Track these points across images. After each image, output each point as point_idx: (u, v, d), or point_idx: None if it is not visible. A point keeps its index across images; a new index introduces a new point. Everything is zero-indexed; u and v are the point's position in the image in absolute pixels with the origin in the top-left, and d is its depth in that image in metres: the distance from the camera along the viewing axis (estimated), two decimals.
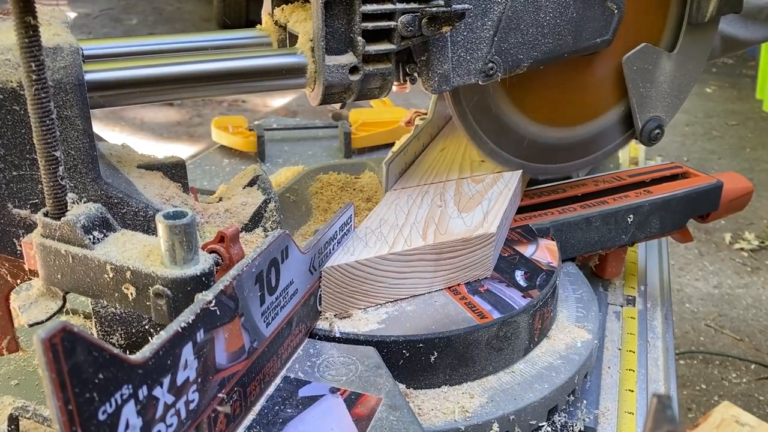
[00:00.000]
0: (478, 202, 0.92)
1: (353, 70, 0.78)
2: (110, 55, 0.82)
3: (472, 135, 0.96)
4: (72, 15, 6.67)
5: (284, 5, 0.87)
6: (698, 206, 1.09)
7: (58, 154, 0.57)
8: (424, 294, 0.82)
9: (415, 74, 0.86)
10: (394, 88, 0.87)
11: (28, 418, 0.65)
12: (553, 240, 0.95)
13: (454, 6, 0.78)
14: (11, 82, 0.64)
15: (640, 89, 1.02)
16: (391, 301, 0.80)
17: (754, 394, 2.38)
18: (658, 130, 1.05)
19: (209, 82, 0.77)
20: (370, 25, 0.77)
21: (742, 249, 3.18)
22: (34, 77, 0.54)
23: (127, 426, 0.45)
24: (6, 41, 0.66)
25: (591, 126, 1.05)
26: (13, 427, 0.66)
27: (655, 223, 1.06)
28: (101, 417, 0.43)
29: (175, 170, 0.84)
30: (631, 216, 1.03)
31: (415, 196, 0.94)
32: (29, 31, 0.52)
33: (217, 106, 4.54)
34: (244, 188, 0.87)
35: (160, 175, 0.82)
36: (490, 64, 0.86)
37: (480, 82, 0.87)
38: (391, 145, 1.11)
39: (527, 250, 0.91)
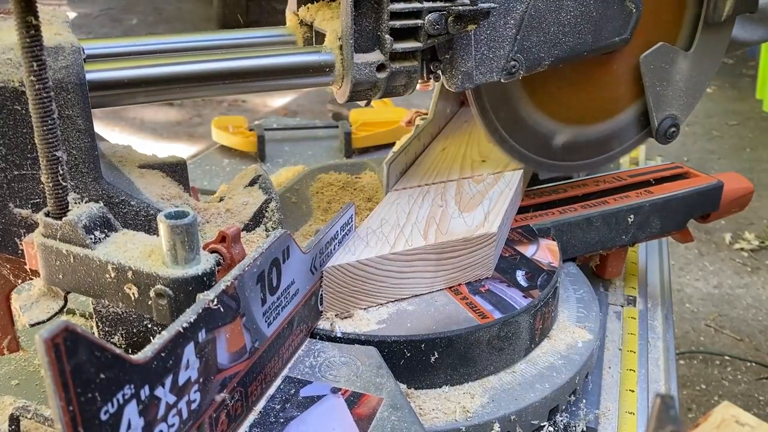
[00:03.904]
0: (479, 202, 0.92)
1: (380, 67, 0.79)
2: (111, 55, 0.82)
3: (491, 132, 0.96)
4: (72, 15, 6.67)
5: (309, 4, 0.88)
6: (699, 206, 1.09)
7: (59, 153, 0.57)
8: (425, 294, 0.82)
9: (439, 72, 0.86)
10: (417, 86, 0.87)
11: (30, 418, 0.65)
12: (554, 240, 0.95)
13: (479, 4, 0.79)
14: (13, 81, 0.64)
15: (657, 88, 1.02)
16: (392, 301, 0.80)
17: (754, 394, 2.38)
18: (673, 129, 1.05)
19: (235, 79, 0.77)
20: (397, 23, 0.78)
21: (742, 249, 3.18)
22: (35, 77, 0.54)
23: (129, 426, 0.45)
24: (7, 41, 0.66)
25: (608, 124, 1.05)
26: (14, 427, 0.66)
27: (656, 223, 1.06)
28: (103, 417, 0.43)
29: (176, 170, 0.84)
30: (632, 216, 1.03)
31: (416, 196, 0.94)
32: (31, 30, 0.52)
33: (217, 106, 4.54)
34: (244, 188, 0.87)
35: (162, 175, 0.82)
36: (513, 62, 0.86)
37: (502, 80, 0.87)
38: (392, 145, 1.11)
39: (528, 250, 0.91)
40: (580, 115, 1.02)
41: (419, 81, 0.86)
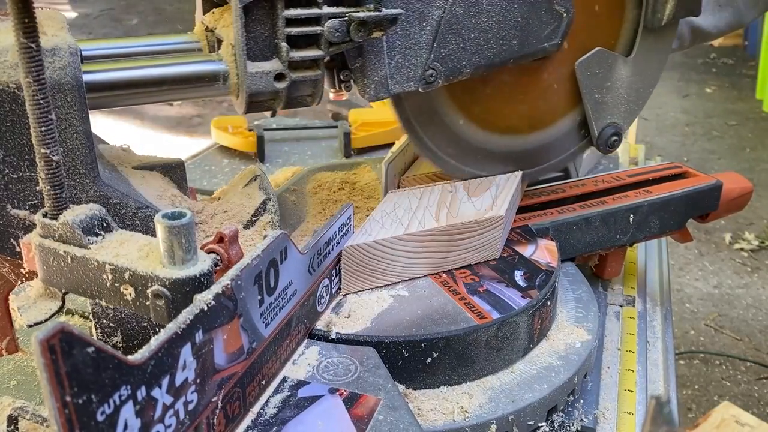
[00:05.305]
0: (487, 187, 0.95)
1: (279, 77, 0.75)
2: (110, 56, 0.82)
3: (416, 143, 0.93)
4: (72, 15, 6.67)
5: (214, 9, 0.83)
6: (698, 206, 1.09)
7: (56, 155, 0.57)
8: (425, 292, 0.82)
9: (351, 81, 0.82)
10: (331, 95, 0.83)
11: (28, 419, 0.65)
12: (552, 240, 0.95)
13: (384, 11, 0.74)
14: (10, 83, 0.64)
15: (595, 95, 0.98)
16: (406, 280, 0.84)
17: (754, 394, 2.38)
18: (615, 137, 1.00)
19: (125, 90, 0.73)
20: (294, 30, 0.74)
21: (742, 249, 3.18)
22: (32, 78, 0.54)
23: (125, 427, 0.45)
24: (4, 42, 0.66)
25: (546, 133, 1.00)
26: (12, 427, 0.66)
27: (655, 223, 1.06)
28: (100, 418, 0.43)
29: (174, 171, 0.84)
30: (631, 216, 1.03)
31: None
32: (28, 31, 0.52)
33: (217, 106, 4.54)
34: (243, 188, 0.88)
35: (160, 176, 0.82)
36: (430, 71, 0.82)
37: (420, 90, 0.83)
38: (391, 145, 1.11)
39: (526, 251, 0.91)
40: (515, 124, 0.98)
41: (332, 90, 0.83)
